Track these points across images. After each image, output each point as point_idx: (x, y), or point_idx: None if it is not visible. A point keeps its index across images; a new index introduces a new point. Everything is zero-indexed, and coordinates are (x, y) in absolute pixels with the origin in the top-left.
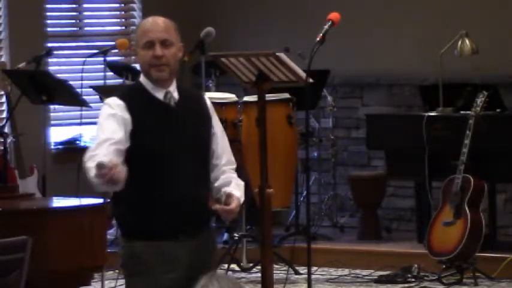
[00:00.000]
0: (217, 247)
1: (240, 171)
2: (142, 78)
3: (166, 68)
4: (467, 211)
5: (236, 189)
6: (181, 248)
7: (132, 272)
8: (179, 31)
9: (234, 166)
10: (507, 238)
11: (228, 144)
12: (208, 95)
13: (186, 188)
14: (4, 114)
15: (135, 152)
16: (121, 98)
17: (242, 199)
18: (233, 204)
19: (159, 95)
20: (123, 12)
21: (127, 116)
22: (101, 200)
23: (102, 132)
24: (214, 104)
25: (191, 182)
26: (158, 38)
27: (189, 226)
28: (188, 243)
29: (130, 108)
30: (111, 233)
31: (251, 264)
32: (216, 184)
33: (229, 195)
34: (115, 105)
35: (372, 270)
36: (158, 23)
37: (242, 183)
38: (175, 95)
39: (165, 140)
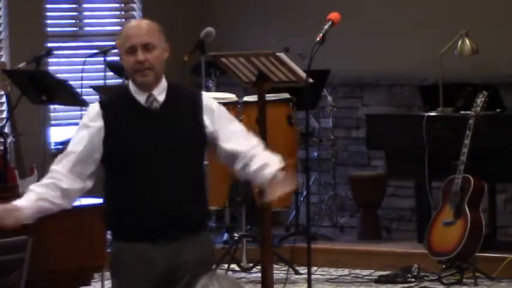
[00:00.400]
0: (209, 250)
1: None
2: (130, 81)
3: (151, 72)
4: (467, 211)
5: (267, 168)
6: (158, 252)
7: (112, 272)
8: (181, 31)
9: (258, 146)
10: (507, 238)
11: (241, 131)
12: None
13: (161, 191)
14: (4, 114)
15: (110, 156)
16: (101, 103)
17: (274, 169)
18: (273, 193)
19: (142, 98)
20: (123, 12)
21: (99, 124)
22: (101, 200)
23: (70, 143)
24: None
25: (168, 185)
26: (140, 43)
27: (166, 230)
28: (166, 247)
29: (107, 114)
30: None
31: (251, 264)
32: (251, 171)
33: (263, 189)
34: (91, 114)
35: (372, 270)
36: (140, 27)
37: (267, 155)
38: (161, 97)
39: (138, 144)
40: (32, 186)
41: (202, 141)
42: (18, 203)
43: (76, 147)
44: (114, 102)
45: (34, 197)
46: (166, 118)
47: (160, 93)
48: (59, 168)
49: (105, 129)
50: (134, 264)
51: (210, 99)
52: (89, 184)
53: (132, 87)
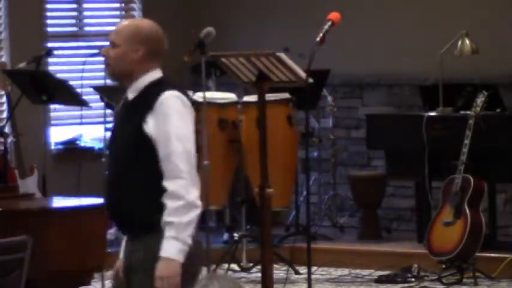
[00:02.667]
0: (150, 256)
1: (240, 171)
2: None
3: (108, 67)
4: (467, 211)
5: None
6: (125, 247)
7: None
8: (181, 31)
9: (174, 185)
10: (507, 238)
11: (175, 155)
12: (208, 95)
13: (109, 190)
14: (4, 114)
15: None
16: None
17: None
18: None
19: (125, 95)
20: (123, 12)
21: None
22: (101, 200)
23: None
24: (214, 104)
25: (113, 184)
26: (109, 39)
27: (121, 228)
28: (127, 244)
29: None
30: (111, 233)
31: (251, 264)
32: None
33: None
34: None
35: (372, 270)
36: (116, 26)
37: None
38: (130, 96)
39: (109, 141)
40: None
41: (146, 143)
42: None
43: None
44: (122, 99)
45: None
46: (121, 117)
47: (132, 92)
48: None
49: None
50: None
51: (167, 102)
52: None
53: None
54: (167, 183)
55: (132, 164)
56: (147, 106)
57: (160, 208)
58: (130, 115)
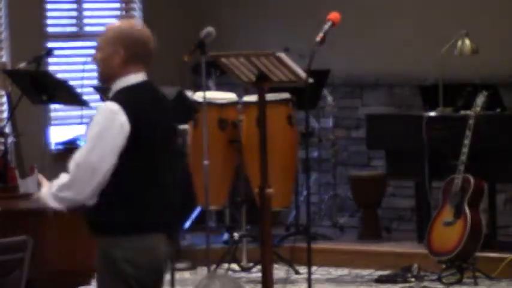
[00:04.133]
0: (101, 259)
1: (240, 171)
2: None
3: (97, 71)
4: (467, 211)
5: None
6: None
7: None
8: (181, 31)
9: (63, 180)
10: (507, 238)
11: (76, 156)
12: (208, 95)
13: None
14: (4, 114)
15: None
16: None
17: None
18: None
19: None
20: (123, 12)
21: None
22: None
23: None
24: (214, 104)
25: None
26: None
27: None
28: None
29: None
30: None
31: (251, 264)
32: None
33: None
34: None
35: (372, 270)
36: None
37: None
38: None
39: None
40: None
41: None
42: None
43: None
44: None
45: None
46: None
47: (110, 95)
48: None
49: None
50: None
51: (102, 109)
52: None
53: None
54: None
55: None
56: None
57: (113, 212)
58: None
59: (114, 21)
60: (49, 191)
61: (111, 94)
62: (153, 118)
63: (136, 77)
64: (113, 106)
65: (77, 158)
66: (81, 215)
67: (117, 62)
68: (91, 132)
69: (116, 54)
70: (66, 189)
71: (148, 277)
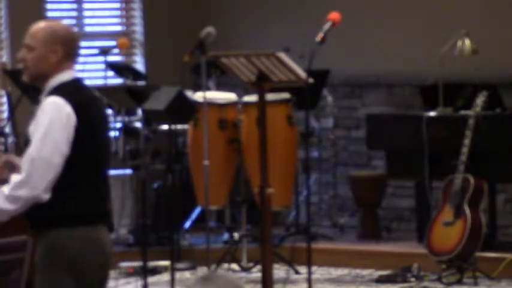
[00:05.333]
0: (45, 250)
1: (240, 171)
2: None
3: (26, 71)
4: (467, 211)
5: None
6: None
7: None
8: (181, 31)
9: (16, 179)
10: (507, 238)
11: (28, 153)
12: (208, 95)
13: None
14: (5, 114)
15: None
16: None
17: None
18: None
19: None
20: (123, 12)
21: None
22: None
23: None
24: (214, 104)
25: None
26: (23, 43)
27: (30, 225)
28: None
29: None
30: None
31: (251, 264)
32: None
33: None
34: None
35: (372, 270)
36: (30, 28)
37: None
38: (42, 97)
39: None
40: None
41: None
42: None
43: None
44: None
45: None
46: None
47: (44, 93)
48: None
49: None
50: None
51: (46, 104)
52: None
53: None
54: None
55: None
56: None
57: (61, 204)
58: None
59: (40, 22)
60: (0, 194)
61: (46, 92)
62: (93, 112)
63: (70, 74)
64: (57, 99)
65: (30, 153)
66: (27, 212)
67: (53, 61)
68: (40, 127)
69: (52, 52)
70: (22, 186)
71: (98, 270)
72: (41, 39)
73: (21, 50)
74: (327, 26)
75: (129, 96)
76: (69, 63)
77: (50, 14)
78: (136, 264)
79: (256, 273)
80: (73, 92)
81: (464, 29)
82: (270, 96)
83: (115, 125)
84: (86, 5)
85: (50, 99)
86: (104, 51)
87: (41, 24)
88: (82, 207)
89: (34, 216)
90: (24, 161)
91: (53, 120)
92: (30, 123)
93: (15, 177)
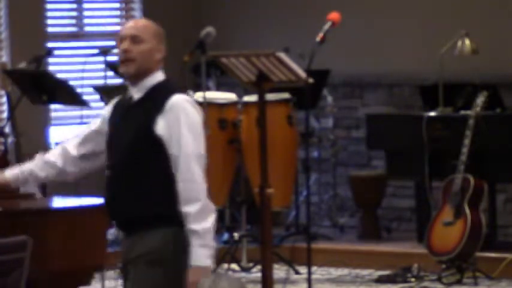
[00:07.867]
0: (154, 249)
1: (240, 171)
2: None
3: (132, 64)
4: (467, 211)
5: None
6: (122, 245)
7: None
8: (181, 31)
9: (188, 188)
10: (507, 238)
11: (188, 157)
12: (208, 95)
13: (109, 189)
14: (4, 114)
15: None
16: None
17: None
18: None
19: (129, 93)
20: (123, 12)
21: (106, 115)
22: (101, 200)
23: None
24: (214, 104)
25: (114, 184)
26: (128, 34)
27: (119, 226)
28: (125, 241)
29: (112, 106)
30: (111, 233)
31: (251, 264)
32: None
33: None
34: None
35: (372, 270)
36: (134, 22)
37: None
38: (138, 94)
39: (109, 137)
40: None
41: (151, 143)
42: None
43: (89, 125)
44: (121, 96)
45: None
46: (129, 115)
47: (140, 90)
48: None
49: (108, 119)
50: None
51: (177, 104)
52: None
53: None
54: (181, 185)
55: (136, 164)
56: (156, 108)
57: (161, 205)
58: (136, 115)
59: (141, 19)
60: (200, 255)
61: (144, 89)
62: None
63: (162, 74)
64: (186, 97)
65: (196, 168)
66: (118, 214)
67: (158, 58)
68: (189, 126)
69: (158, 51)
70: (206, 215)
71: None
72: (152, 34)
73: (124, 41)
74: (327, 26)
75: None
76: (161, 64)
77: (50, 14)
78: None
79: (256, 273)
80: (180, 89)
81: (464, 29)
82: (270, 96)
83: None
84: (85, 5)
85: (180, 98)
86: (104, 51)
87: (145, 20)
88: (174, 207)
89: (138, 218)
90: (191, 190)
91: (198, 117)
92: (155, 124)
93: (189, 209)
